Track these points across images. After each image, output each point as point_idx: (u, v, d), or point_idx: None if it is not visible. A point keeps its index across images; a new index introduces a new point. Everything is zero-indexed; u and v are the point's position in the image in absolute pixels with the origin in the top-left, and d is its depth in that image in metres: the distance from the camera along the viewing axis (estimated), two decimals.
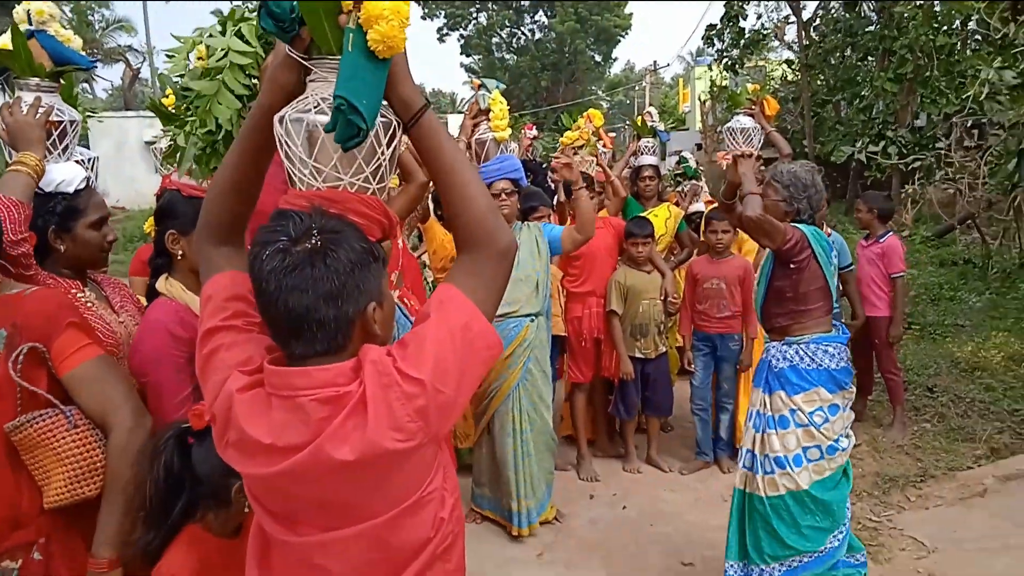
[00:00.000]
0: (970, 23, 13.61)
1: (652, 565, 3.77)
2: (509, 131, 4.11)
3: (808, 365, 3.09)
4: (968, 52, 13.84)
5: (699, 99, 24.52)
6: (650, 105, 6.48)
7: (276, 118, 1.35)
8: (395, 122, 1.37)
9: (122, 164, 20.48)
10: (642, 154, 5.80)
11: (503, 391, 4.03)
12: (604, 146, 5.73)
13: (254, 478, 1.29)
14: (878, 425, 5.17)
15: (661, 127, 6.18)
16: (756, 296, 3.41)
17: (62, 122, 2.30)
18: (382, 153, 1.34)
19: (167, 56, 2.05)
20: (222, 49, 1.93)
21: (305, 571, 1.30)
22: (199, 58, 1.98)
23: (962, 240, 11.28)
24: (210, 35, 1.97)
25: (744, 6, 16.10)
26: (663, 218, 5.50)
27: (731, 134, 5.09)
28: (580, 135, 5.50)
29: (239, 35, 1.93)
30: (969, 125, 9.63)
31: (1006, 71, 8.85)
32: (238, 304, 1.37)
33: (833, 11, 17.29)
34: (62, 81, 2.36)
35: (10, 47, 2.22)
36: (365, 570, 1.29)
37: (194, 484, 1.66)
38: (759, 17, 20.65)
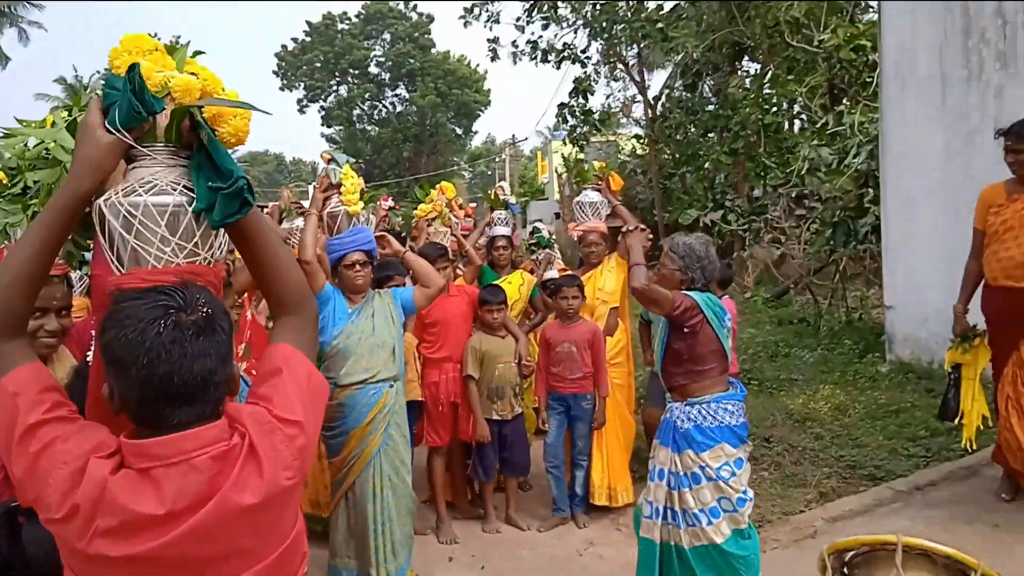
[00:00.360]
0: (795, 105, 15.04)
1: None
2: (361, 204, 4.19)
3: (711, 423, 3.29)
4: (794, 131, 15.23)
5: (556, 171, 25.58)
6: (501, 180, 6.88)
7: (123, 201, 1.41)
8: None
9: None
10: (495, 225, 6.04)
11: (364, 457, 4.03)
12: (464, 216, 5.94)
13: (131, 559, 1.28)
14: None
15: (513, 200, 6.46)
16: (656, 358, 3.60)
17: None
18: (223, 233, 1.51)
19: (4, 134, 2.03)
20: (52, 141, 1.94)
21: None
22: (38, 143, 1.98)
23: (797, 301, 12.16)
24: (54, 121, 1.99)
25: (591, 85, 17.03)
26: (517, 284, 5.71)
27: (580, 207, 5.45)
28: (434, 207, 5.69)
29: (70, 126, 1.92)
30: (794, 196, 10.56)
31: (823, 148, 9.88)
32: (53, 395, 1.37)
33: (675, 91, 18.57)
34: None
35: None
36: None
37: (25, 566, 1.60)
38: (608, 96, 21.93)
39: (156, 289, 1.34)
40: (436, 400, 4.90)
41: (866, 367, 7.76)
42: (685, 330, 3.35)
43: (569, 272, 5.61)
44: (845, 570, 1.39)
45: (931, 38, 6.87)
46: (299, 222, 5.17)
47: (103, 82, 1.44)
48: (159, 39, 1.56)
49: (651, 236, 4.94)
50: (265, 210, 5.21)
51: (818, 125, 10.19)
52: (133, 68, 1.39)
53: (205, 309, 1.33)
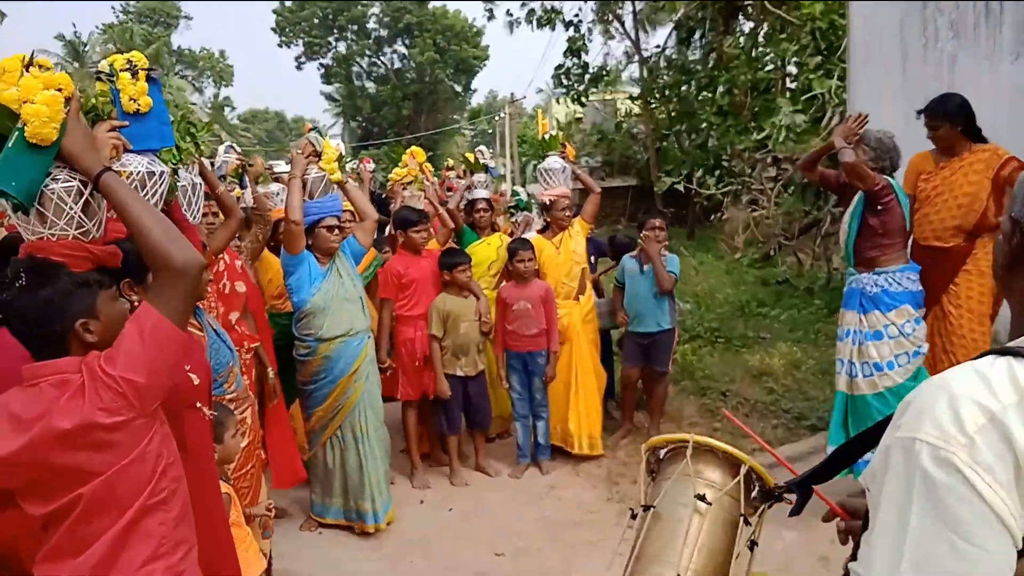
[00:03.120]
0: (788, 65, 15.11)
1: (466, 557, 4.24)
2: (339, 173, 4.53)
3: (896, 288, 4.11)
4: (784, 92, 15.34)
5: (555, 130, 25.64)
6: (481, 146, 7.02)
7: None
8: (78, 184, 1.89)
9: None
10: (475, 188, 6.32)
11: (350, 404, 4.45)
12: (455, 176, 6.21)
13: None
14: (677, 427, 5.86)
15: (492, 164, 6.71)
16: (848, 235, 4.28)
17: None
18: (71, 208, 1.88)
19: None
20: None
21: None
22: None
23: (785, 262, 12.43)
24: None
25: (585, 45, 17.07)
26: (495, 246, 5.99)
27: (546, 174, 5.75)
28: (408, 171, 5.98)
29: None
30: (770, 160, 10.75)
31: (798, 114, 10.09)
32: None
33: (668, 50, 18.61)
34: None
35: None
36: (96, 514, 1.69)
37: None
38: (606, 55, 21.95)
39: (9, 261, 1.80)
40: (412, 355, 5.23)
41: (830, 326, 8.03)
42: (879, 207, 4.09)
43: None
44: (658, 463, 1.64)
45: (893, 10, 7.08)
46: (274, 186, 5.50)
47: None
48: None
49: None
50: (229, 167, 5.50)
51: (795, 90, 10.38)
52: None
53: (22, 281, 1.72)
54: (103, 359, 1.68)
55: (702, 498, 1.49)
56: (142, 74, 2.43)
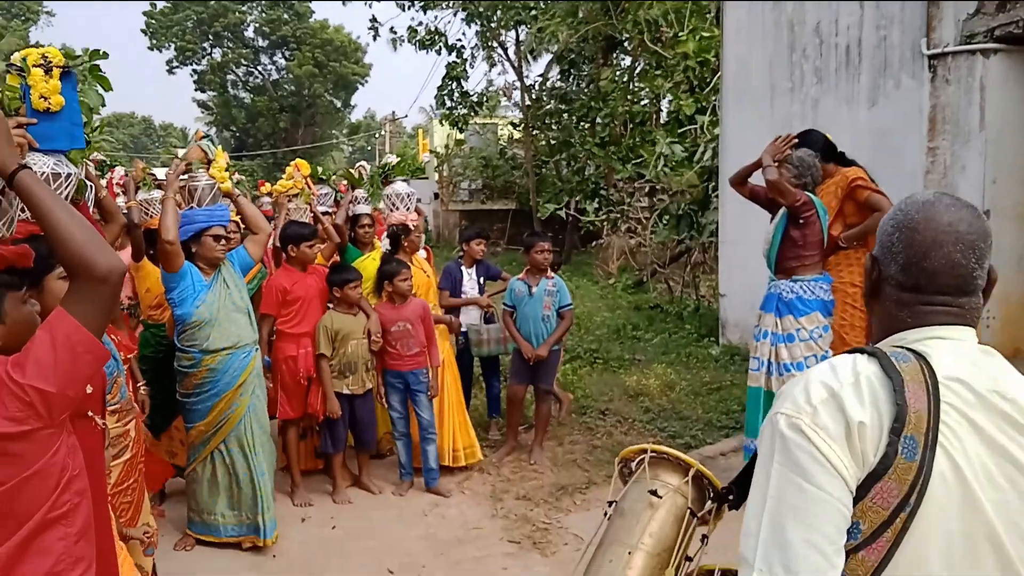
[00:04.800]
0: (662, 100, 15.82)
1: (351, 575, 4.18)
2: (229, 182, 4.42)
3: (809, 296, 4.52)
4: (659, 125, 16.05)
5: (435, 152, 25.71)
6: (362, 161, 6.98)
7: None
8: None
9: None
10: (358, 203, 6.27)
11: (235, 418, 4.33)
12: (315, 194, 6.14)
13: None
14: (559, 444, 6.01)
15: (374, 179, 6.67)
16: (771, 245, 4.60)
17: None
18: None
19: None
20: None
21: None
22: None
23: (657, 289, 12.97)
24: None
25: (465, 71, 17.28)
26: (379, 261, 5.98)
27: (392, 199, 5.85)
28: (294, 183, 5.89)
29: None
30: (647, 190, 11.27)
31: (676, 145, 10.61)
32: None
33: (551, 79, 19.11)
34: None
35: None
36: None
37: None
38: (490, 83, 22.26)
39: None
40: (294, 373, 5.12)
41: (700, 349, 8.50)
42: (800, 221, 4.49)
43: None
44: (629, 471, 1.90)
45: (763, 53, 7.60)
46: (156, 193, 5.30)
47: None
48: None
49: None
50: (119, 179, 5.31)
51: (670, 121, 10.92)
52: None
53: None
54: (11, 365, 1.59)
55: (654, 493, 1.76)
56: (56, 71, 2.32)
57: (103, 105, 2.60)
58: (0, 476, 1.58)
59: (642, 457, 1.86)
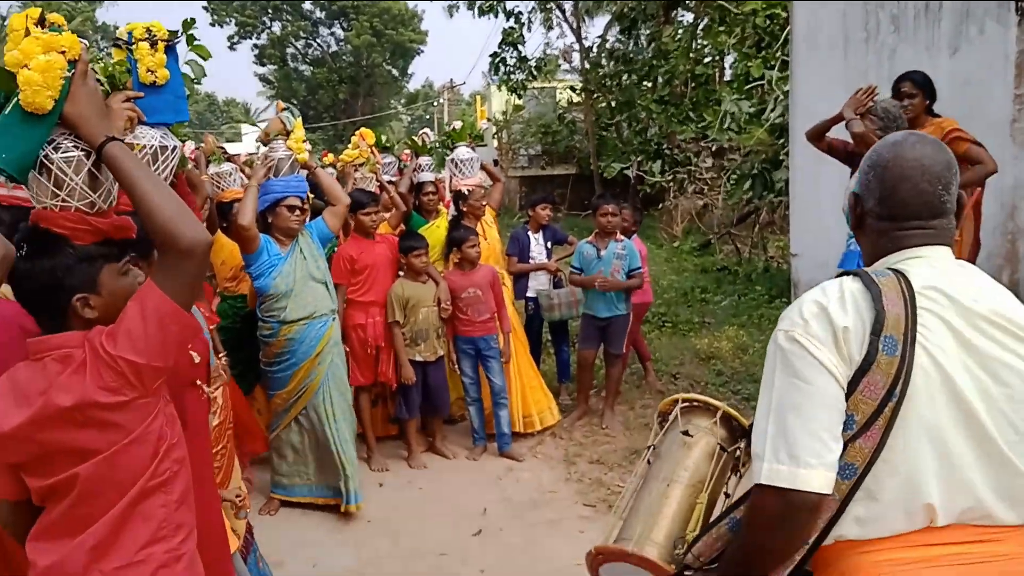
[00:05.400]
0: (727, 57, 15.39)
1: (431, 538, 4.24)
2: (307, 153, 4.47)
3: None
4: (723, 84, 15.65)
5: (494, 118, 25.60)
6: (426, 129, 6.97)
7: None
8: (80, 154, 1.74)
9: None
10: (422, 171, 6.28)
11: (313, 386, 4.40)
12: (380, 162, 6.16)
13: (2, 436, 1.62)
14: (631, 408, 5.98)
15: (437, 146, 6.65)
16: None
17: None
18: (71, 179, 1.73)
19: None
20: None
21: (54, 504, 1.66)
22: None
23: (723, 250, 12.76)
24: None
25: (522, 36, 17.05)
26: (444, 228, 5.99)
27: (456, 164, 5.81)
28: (359, 153, 5.91)
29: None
30: (714, 149, 11.01)
31: (743, 102, 10.31)
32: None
33: (610, 41, 18.75)
34: None
35: None
36: (94, 494, 1.64)
37: None
38: (548, 45, 21.96)
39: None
40: (363, 342, 5.18)
41: (772, 311, 8.32)
42: None
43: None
44: (666, 422, 2.05)
45: (835, 4, 7.29)
46: (226, 166, 5.38)
47: None
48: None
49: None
50: (191, 153, 5.41)
51: (736, 78, 10.62)
52: None
53: (23, 251, 1.68)
54: (105, 336, 1.61)
55: (686, 433, 1.95)
56: (160, 45, 2.32)
57: (204, 75, 2.58)
58: (99, 444, 1.62)
59: (675, 407, 2.04)
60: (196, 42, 2.50)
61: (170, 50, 2.38)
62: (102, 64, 2.32)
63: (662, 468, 1.93)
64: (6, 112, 1.68)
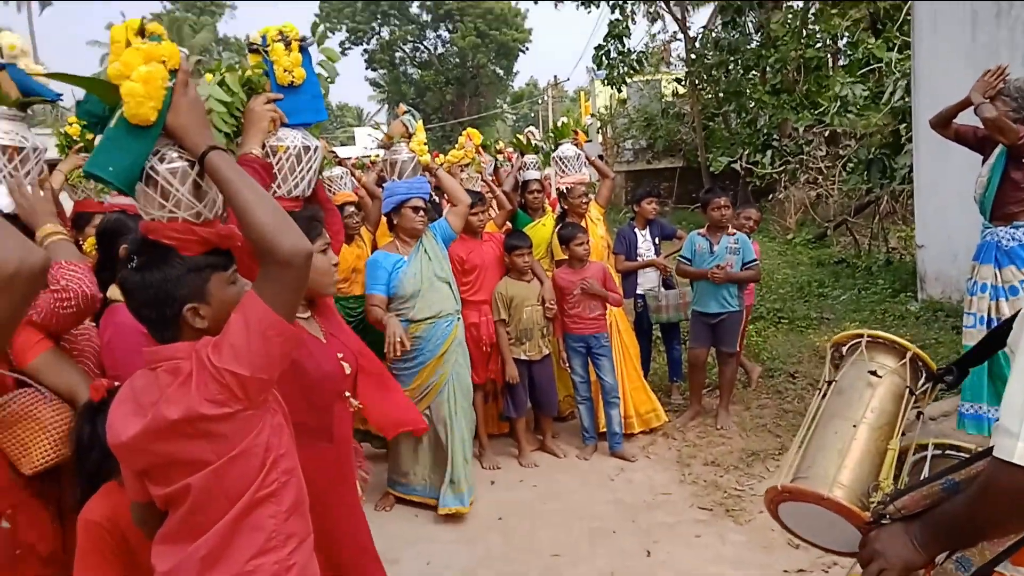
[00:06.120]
0: (839, 41, 14.75)
1: (543, 537, 4.23)
2: (427, 155, 4.57)
3: None
4: (837, 68, 14.98)
5: (598, 113, 25.41)
6: (531, 127, 6.97)
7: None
8: (184, 164, 1.74)
9: None
10: (527, 169, 6.27)
11: (438, 385, 4.48)
12: (504, 159, 6.18)
13: (118, 447, 1.67)
14: (746, 408, 5.79)
15: (543, 144, 6.65)
16: (987, 189, 4.22)
17: (24, 148, 2.46)
18: (177, 190, 1.73)
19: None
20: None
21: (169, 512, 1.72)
22: None
23: (839, 242, 12.24)
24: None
25: (627, 28, 16.84)
26: (550, 227, 5.97)
27: (561, 162, 5.74)
28: (465, 153, 5.95)
29: (221, 83, 2.26)
30: (827, 135, 10.54)
31: (857, 85, 9.84)
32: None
33: (716, 29, 18.27)
34: (29, 111, 2.61)
35: None
36: (205, 504, 1.67)
37: (101, 448, 1.93)
38: (653, 36, 21.60)
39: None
40: (477, 340, 5.21)
41: (897, 306, 7.91)
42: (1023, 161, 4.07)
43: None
44: (840, 357, 1.98)
45: None
46: (337, 170, 5.52)
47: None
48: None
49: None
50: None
51: (851, 61, 10.14)
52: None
53: (134, 263, 1.70)
54: (211, 347, 1.62)
55: (874, 373, 1.85)
56: (295, 45, 2.34)
57: (337, 74, 2.58)
58: (208, 456, 1.64)
59: (857, 341, 1.95)
60: (326, 45, 2.51)
61: (304, 51, 2.40)
62: (238, 72, 2.33)
63: (845, 406, 1.85)
64: (111, 125, 1.70)
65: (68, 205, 3.98)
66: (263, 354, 1.62)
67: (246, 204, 1.64)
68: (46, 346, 2.21)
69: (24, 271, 1.06)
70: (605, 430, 5.31)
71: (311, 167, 2.46)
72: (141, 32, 1.74)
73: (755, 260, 5.49)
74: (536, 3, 18.18)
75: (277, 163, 2.38)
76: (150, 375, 1.68)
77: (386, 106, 42.81)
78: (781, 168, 11.17)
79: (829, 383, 1.93)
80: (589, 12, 17.55)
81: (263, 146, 2.27)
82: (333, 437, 2.41)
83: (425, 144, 4.47)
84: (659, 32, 20.57)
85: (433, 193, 4.99)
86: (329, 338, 2.50)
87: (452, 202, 4.69)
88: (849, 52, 11.41)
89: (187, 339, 1.69)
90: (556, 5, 18.12)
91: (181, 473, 1.64)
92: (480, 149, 6.39)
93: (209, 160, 1.70)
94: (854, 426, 1.78)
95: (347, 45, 40.83)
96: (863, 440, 1.76)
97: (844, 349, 1.97)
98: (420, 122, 4.49)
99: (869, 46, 9.76)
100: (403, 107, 4.64)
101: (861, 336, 1.95)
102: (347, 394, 2.42)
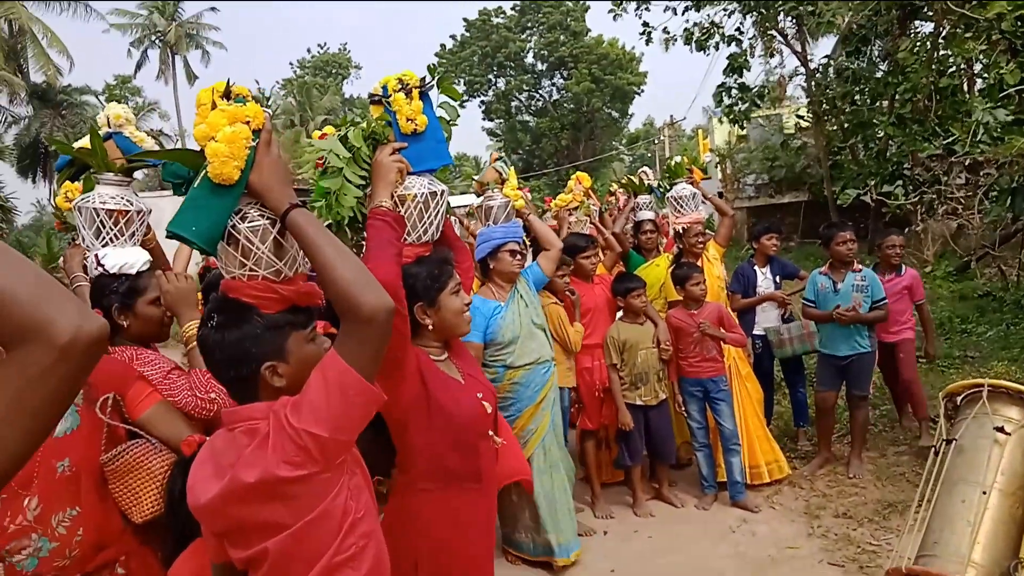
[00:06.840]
0: (975, 65, 13.92)
1: None
2: (521, 200, 4.56)
3: None
4: (974, 93, 14.11)
5: (716, 149, 25.01)
6: (645, 167, 6.87)
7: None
8: (265, 223, 1.75)
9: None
10: (641, 210, 6.17)
11: (539, 433, 4.36)
12: (596, 205, 6.11)
13: (198, 509, 1.64)
14: (881, 455, 5.39)
15: (655, 184, 6.52)
16: None
17: (129, 211, 2.64)
18: (257, 248, 1.73)
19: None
20: (322, 151, 2.32)
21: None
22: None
23: (985, 274, 11.41)
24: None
25: (747, 61, 16.53)
26: (664, 267, 5.81)
27: (677, 201, 5.57)
28: (573, 197, 5.90)
29: (343, 139, 2.32)
30: (967, 164, 9.88)
31: (999, 110, 9.18)
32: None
33: (837, 61, 17.65)
34: (135, 176, 2.78)
35: (89, 147, 2.62)
36: (283, 568, 1.61)
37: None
38: (772, 71, 21.09)
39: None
40: (590, 385, 5.11)
41: None
42: None
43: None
44: (955, 408, 1.83)
45: None
46: None
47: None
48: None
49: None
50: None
51: (991, 88, 9.50)
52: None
53: (212, 322, 1.69)
54: (289, 408, 1.57)
55: (1001, 429, 1.66)
56: (415, 92, 2.36)
57: (458, 116, 2.58)
58: (285, 519, 1.59)
59: (977, 391, 1.76)
60: (448, 84, 2.50)
61: (424, 97, 2.41)
62: (362, 126, 2.37)
63: (969, 469, 1.68)
64: (195, 185, 1.73)
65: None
66: (343, 415, 1.57)
67: (328, 261, 1.63)
68: (156, 399, 2.29)
69: (81, 340, 0.97)
70: (725, 479, 5.04)
71: (439, 211, 2.46)
72: (227, 94, 1.77)
73: (884, 299, 5.15)
74: (647, 45, 18.07)
75: (406, 211, 2.39)
76: (228, 436, 1.65)
77: (491, 153, 43.60)
78: (916, 199, 10.53)
79: (948, 441, 1.75)
80: (704, 54, 17.35)
81: (391, 196, 2.28)
82: (481, 477, 2.39)
83: (518, 189, 4.44)
84: (777, 66, 20.05)
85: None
86: (467, 378, 2.49)
87: (543, 246, 4.62)
88: (985, 76, 10.70)
89: (265, 399, 1.66)
90: (666, 48, 17.96)
91: (259, 536, 1.61)
92: (589, 192, 6.33)
93: (292, 218, 1.70)
94: (984, 493, 1.60)
95: (465, 98, 41.96)
96: (995, 509, 1.57)
97: (960, 400, 1.77)
98: (512, 168, 4.49)
99: (1002, 72, 9.13)
100: (495, 154, 4.67)
101: (981, 386, 1.76)
102: (490, 432, 2.38)
